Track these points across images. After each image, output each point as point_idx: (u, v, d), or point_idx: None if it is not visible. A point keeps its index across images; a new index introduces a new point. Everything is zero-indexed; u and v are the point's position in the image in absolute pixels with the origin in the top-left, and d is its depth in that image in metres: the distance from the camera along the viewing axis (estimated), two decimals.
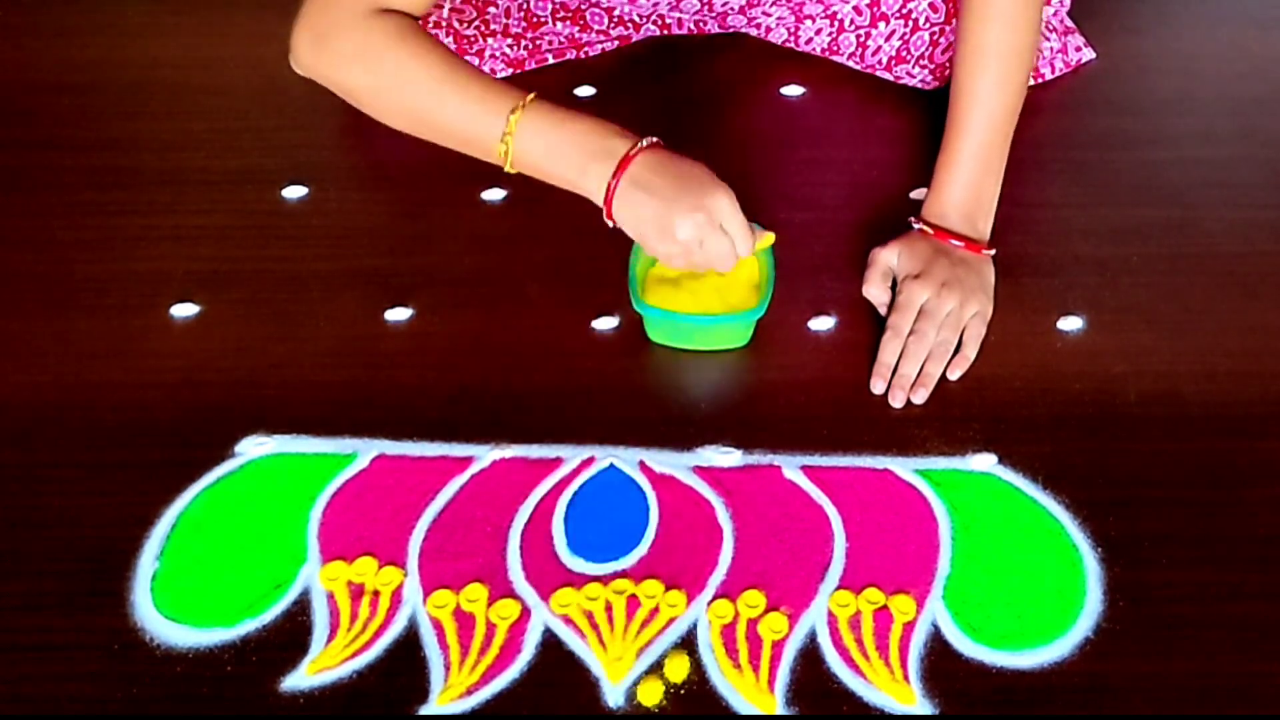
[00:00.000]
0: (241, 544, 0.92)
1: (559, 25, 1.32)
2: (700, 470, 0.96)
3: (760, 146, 1.26)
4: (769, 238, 1.01)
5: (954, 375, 1.03)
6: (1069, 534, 0.92)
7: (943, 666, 0.85)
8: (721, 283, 1.06)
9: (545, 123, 0.98)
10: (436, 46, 1.02)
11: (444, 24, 1.28)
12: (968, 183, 1.09)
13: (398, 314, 1.08)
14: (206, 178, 1.22)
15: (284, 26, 1.38)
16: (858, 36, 1.30)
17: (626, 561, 0.91)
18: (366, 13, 1.01)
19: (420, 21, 1.04)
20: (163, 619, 0.87)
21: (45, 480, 0.96)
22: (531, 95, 0.98)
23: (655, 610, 0.88)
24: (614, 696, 0.83)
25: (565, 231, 1.15)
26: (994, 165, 1.10)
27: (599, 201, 0.98)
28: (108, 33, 1.42)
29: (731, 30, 1.36)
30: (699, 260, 0.98)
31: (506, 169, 1.00)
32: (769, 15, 1.31)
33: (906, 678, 0.84)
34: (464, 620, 0.87)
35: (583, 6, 1.31)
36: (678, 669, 0.85)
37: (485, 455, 0.97)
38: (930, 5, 1.26)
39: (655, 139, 0.99)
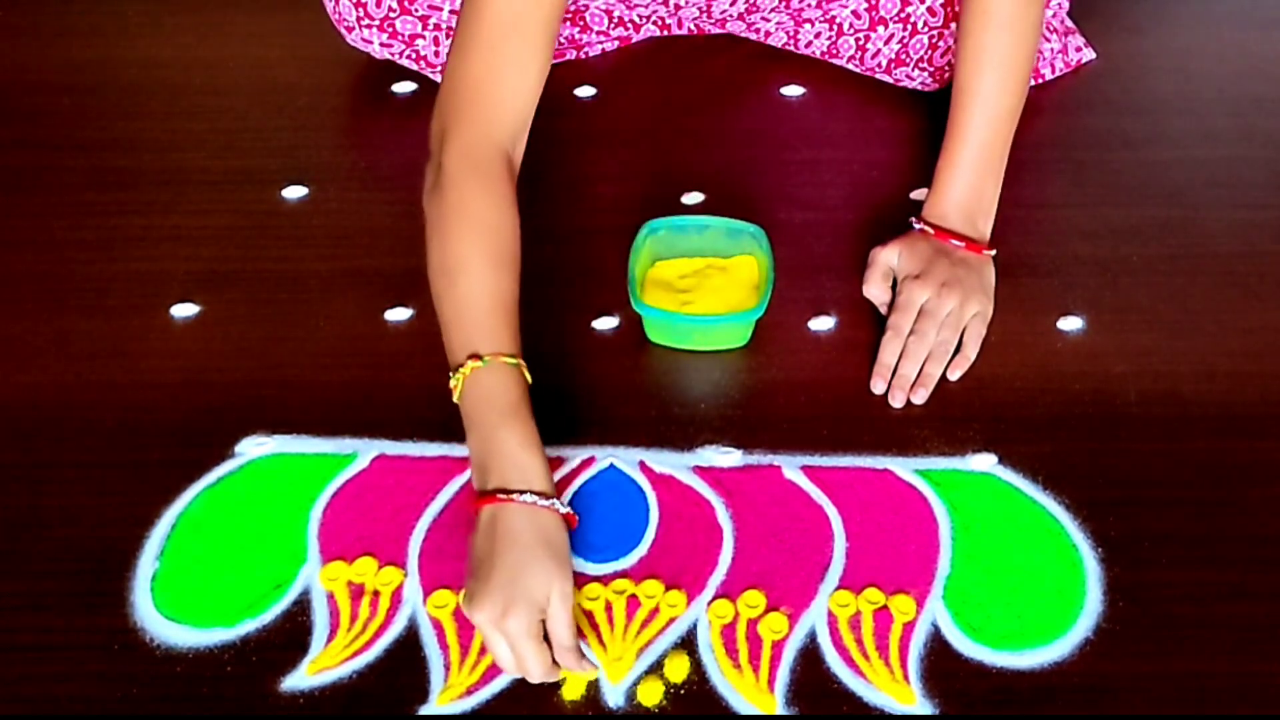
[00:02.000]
0: (241, 544, 0.92)
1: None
2: (700, 470, 0.96)
3: (760, 146, 1.26)
4: (591, 672, 0.84)
5: (954, 375, 1.03)
6: (1069, 534, 0.92)
7: (943, 666, 0.85)
8: (721, 283, 1.06)
9: (484, 398, 0.89)
10: (495, 254, 0.94)
11: (443, 26, 1.28)
12: (969, 183, 1.09)
13: (398, 314, 1.08)
14: (206, 178, 1.22)
15: (284, 26, 1.39)
16: (857, 40, 1.30)
17: (626, 561, 0.91)
18: (471, 167, 0.96)
19: (512, 172, 0.98)
20: (163, 619, 0.87)
21: (45, 480, 0.96)
22: (491, 359, 0.89)
23: (655, 610, 0.88)
24: (614, 696, 0.83)
25: (565, 231, 1.15)
26: (995, 166, 1.10)
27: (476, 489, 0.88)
28: (108, 33, 1.42)
29: (730, 35, 1.36)
30: (495, 648, 0.82)
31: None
32: (768, 20, 1.31)
33: (906, 678, 0.84)
34: (464, 620, 0.87)
35: (583, 8, 1.31)
36: (678, 669, 0.85)
37: None
38: (929, 9, 1.26)
39: (564, 510, 0.86)
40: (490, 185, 0.96)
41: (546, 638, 0.82)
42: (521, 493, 0.85)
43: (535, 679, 0.82)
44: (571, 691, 0.83)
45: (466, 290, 0.92)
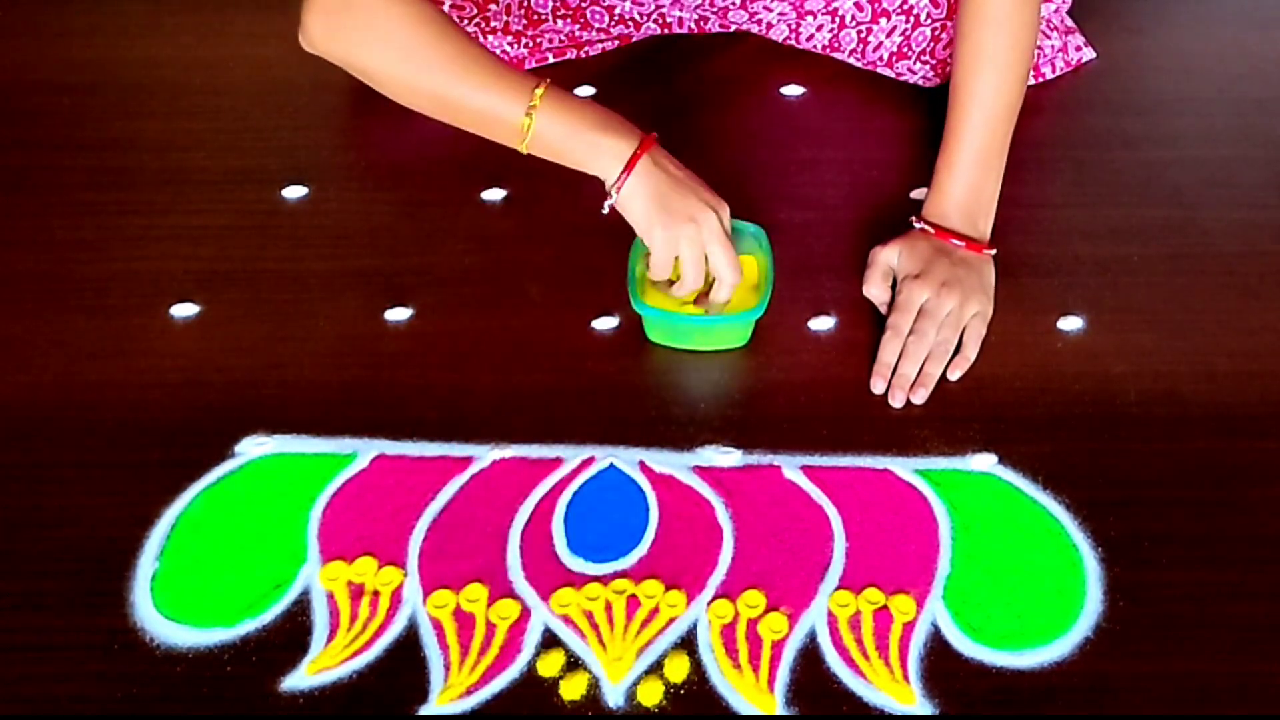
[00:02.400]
0: (241, 544, 0.92)
1: (559, 23, 1.32)
2: (700, 470, 0.96)
3: (760, 146, 1.26)
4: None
5: (954, 375, 1.03)
6: (1069, 534, 0.92)
7: (943, 666, 0.85)
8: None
9: (565, 102, 1.01)
10: (453, 27, 1.03)
11: None
12: (968, 183, 1.09)
13: (398, 314, 1.08)
14: (206, 178, 1.22)
15: (284, 26, 1.38)
16: (859, 32, 1.30)
17: (626, 561, 0.91)
18: None
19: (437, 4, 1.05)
20: (163, 619, 0.87)
21: (45, 480, 0.96)
22: (548, 79, 1.01)
23: (655, 610, 0.88)
24: (614, 696, 0.83)
25: (565, 231, 1.15)
26: (994, 165, 1.10)
27: (613, 176, 0.99)
28: (108, 33, 1.42)
29: (733, 26, 1.36)
30: (689, 255, 0.99)
31: (522, 148, 1.01)
32: (770, 10, 1.31)
33: (906, 678, 0.84)
34: (464, 620, 0.87)
35: (583, 4, 1.31)
36: (678, 669, 0.85)
37: (485, 455, 0.97)
38: (931, 1, 1.26)
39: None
40: None
41: None
42: (654, 138, 0.98)
43: (730, 280, 0.99)
44: (571, 691, 0.83)
45: (470, 60, 1.00)
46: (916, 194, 1.18)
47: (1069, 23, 1.36)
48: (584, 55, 1.36)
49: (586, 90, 1.32)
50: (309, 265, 1.13)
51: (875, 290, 1.08)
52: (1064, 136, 1.27)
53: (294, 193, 1.21)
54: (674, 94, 1.32)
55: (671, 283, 1.04)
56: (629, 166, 0.99)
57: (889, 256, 1.08)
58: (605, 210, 1.00)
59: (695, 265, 1.00)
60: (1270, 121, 1.29)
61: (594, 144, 1.00)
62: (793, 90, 1.33)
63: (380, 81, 1.05)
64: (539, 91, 1.00)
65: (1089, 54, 1.36)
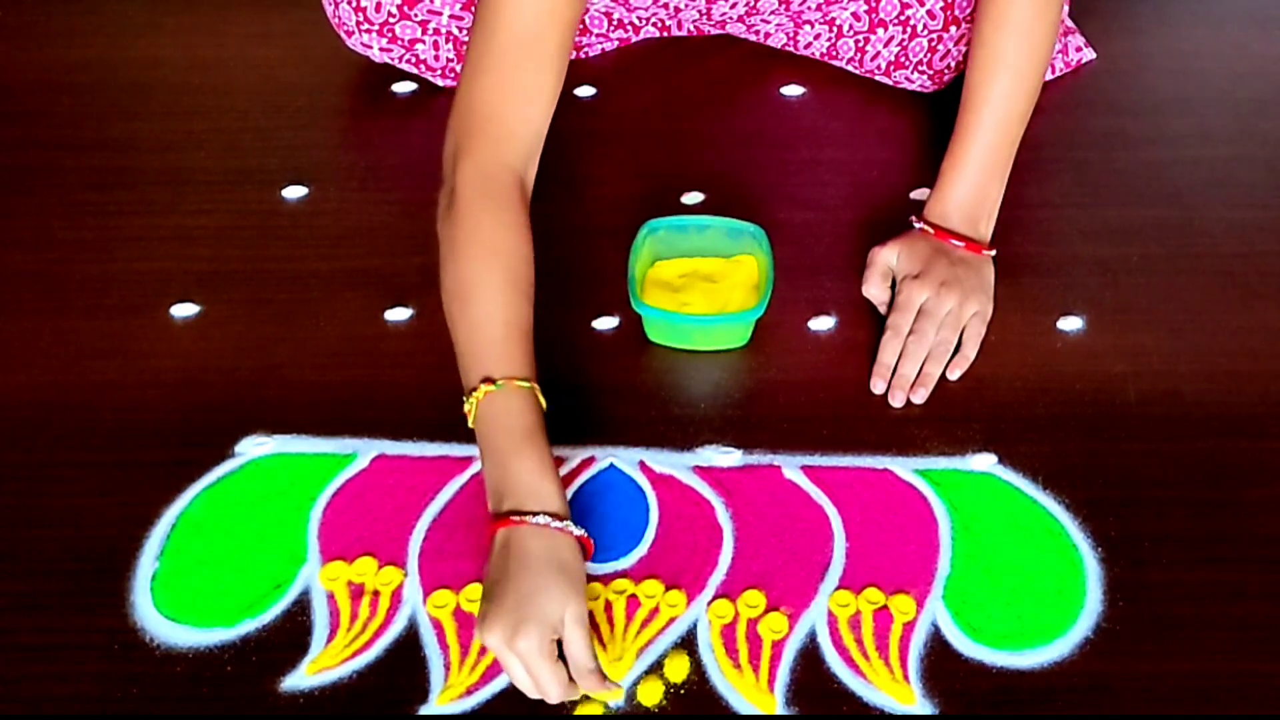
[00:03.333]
0: (241, 544, 0.92)
1: None
2: (700, 470, 0.96)
3: (760, 146, 1.26)
4: (615, 693, 0.84)
5: (954, 375, 1.03)
6: (1069, 534, 0.92)
7: (943, 666, 0.85)
8: (721, 283, 1.06)
9: (492, 424, 0.88)
10: (508, 284, 0.93)
11: (443, 31, 1.28)
12: (973, 185, 1.09)
13: (398, 314, 1.08)
14: (206, 178, 1.22)
15: (284, 26, 1.38)
16: (856, 42, 1.30)
17: (626, 561, 0.91)
18: (485, 189, 0.95)
19: (523, 200, 0.98)
20: (163, 619, 0.87)
21: (45, 480, 0.96)
22: (505, 383, 0.89)
23: (655, 610, 0.88)
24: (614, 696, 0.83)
25: (565, 231, 1.15)
26: (1000, 170, 1.10)
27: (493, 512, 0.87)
28: (108, 33, 1.42)
29: (730, 35, 1.36)
30: (511, 671, 0.81)
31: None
32: (767, 22, 1.31)
33: (906, 678, 0.84)
34: (464, 620, 0.87)
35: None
36: (678, 669, 0.85)
37: None
38: (928, 12, 1.26)
39: (578, 533, 0.85)
40: (503, 209, 0.95)
41: (563, 658, 0.81)
42: (535, 514, 0.84)
43: (554, 699, 0.81)
44: (583, 706, 0.83)
45: (480, 314, 0.92)
46: (916, 194, 1.18)
47: (1069, 23, 1.36)
48: (584, 56, 1.36)
49: (587, 90, 1.32)
50: (309, 265, 1.13)
51: (874, 290, 1.08)
52: (1064, 136, 1.27)
53: (294, 193, 1.20)
54: (674, 94, 1.32)
55: (676, 282, 1.04)
56: (489, 530, 0.85)
57: (888, 256, 1.08)
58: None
59: (522, 681, 0.81)
60: (1270, 121, 1.29)
61: (489, 478, 0.87)
62: (793, 90, 1.33)
63: (441, 266, 0.96)
64: (475, 394, 0.88)
65: (1089, 54, 1.36)
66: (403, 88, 1.32)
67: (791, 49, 1.34)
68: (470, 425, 0.89)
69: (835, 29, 1.30)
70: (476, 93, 0.98)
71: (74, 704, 0.83)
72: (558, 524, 0.84)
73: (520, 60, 0.98)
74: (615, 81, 1.33)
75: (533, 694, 0.81)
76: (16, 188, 1.22)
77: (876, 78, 1.32)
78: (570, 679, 0.81)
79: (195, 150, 1.26)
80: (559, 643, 0.81)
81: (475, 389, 0.89)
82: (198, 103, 1.32)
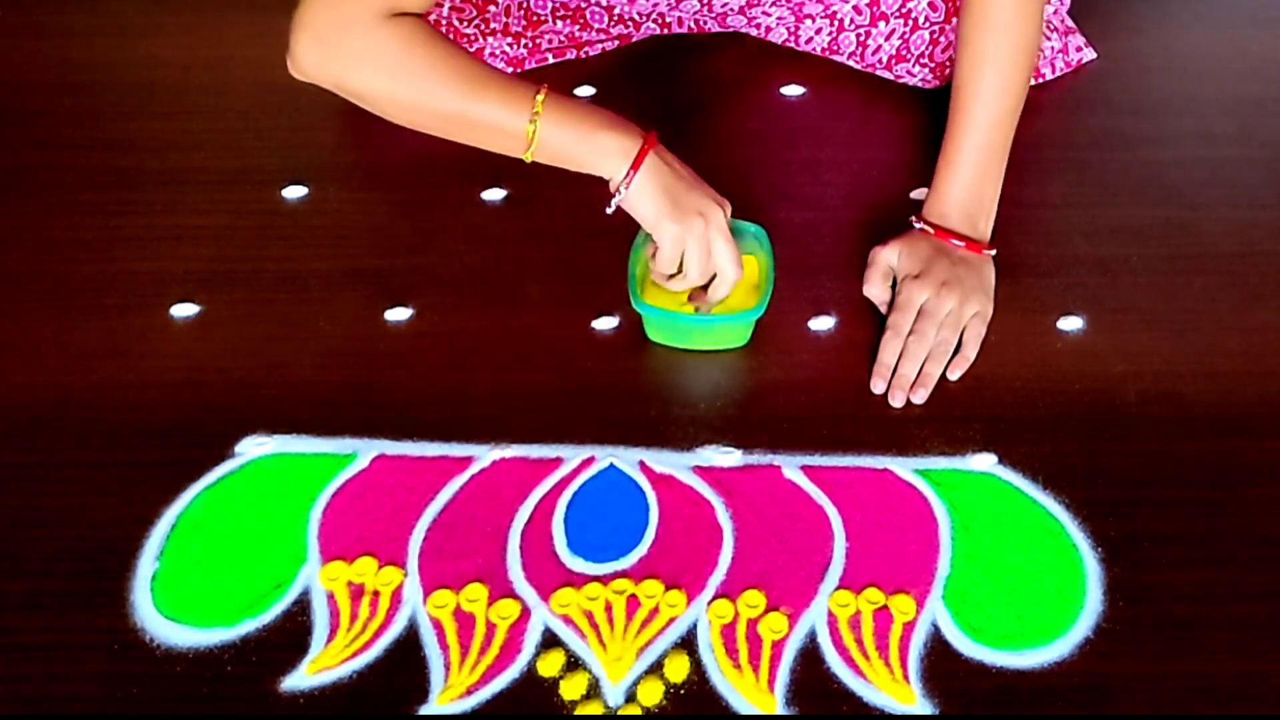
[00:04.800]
0: (241, 544, 0.92)
1: (559, 24, 1.32)
2: (700, 470, 0.96)
3: (760, 146, 1.26)
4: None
5: (954, 375, 1.03)
6: (1069, 534, 0.92)
7: (943, 666, 0.85)
8: None
9: (566, 106, 1.00)
10: (447, 43, 1.01)
11: (444, 22, 1.28)
12: (969, 184, 1.09)
13: (398, 314, 1.08)
14: (206, 178, 1.22)
15: (284, 26, 1.38)
16: (858, 36, 1.30)
17: (626, 561, 0.91)
18: (374, 15, 1.00)
19: (425, 19, 1.04)
20: (163, 619, 0.87)
21: (45, 480, 0.96)
22: (544, 85, 1.00)
23: (655, 610, 0.88)
24: (614, 696, 0.83)
25: (565, 231, 1.15)
26: (995, 167, 1.10)
27: (619, 175, 0.99)
28: (108, 33, 1.42)
29: (731, 30, 1.36)
30: (695, 250, 1.00)
31: (527, 157, 1.01)
32: (769, 15, 1.31)
33: (906, 678, 0.84)
34: (464, 620, 0.87)
35: (583, 5, 1.31)
36: (678, 669, 0.85)
37: (485, 455, 0.97)
38: (930, 4, 1.26)
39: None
40: (381, 17, 0.99)
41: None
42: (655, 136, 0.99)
43: (732, 276, 1.00)
44: (571, 691, 0.83)
45: (469, 75, 0.99)
46: (916, 194, 1.18)
47: (1069, 23, 1.36)
48: (584, 55, 1.36)
49: (586, 90, 1.32)
50: (309, 265, 1.13)
51: (875, 290, 1.08)
52: (1064, 136, 1.27)
53: (294, 193, 1.21)
54: (674, 94, 1.32)
55: (671, 277, 1.04)
56: (635, 164, 0.98)
57: (889, 256, 1.08)
58: (611, 210, 1.00)
59: (700, 261, 1.00)
60: (1270, 121, 1.29)
61: (600, 145, 0.99)
62: (793, 90, 1.33)
63: (378, 104, 1.03)
64: (540, 98, 0.99)
65: (1089, 54, 1.36)
66: None
67: (793, 44, 1.34)
68: (529, 144, 0.99)
69: (836, 23, 1.30)
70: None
71: (74, 704, 0.83)
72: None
73: None
74: (615, 81, 1.33)
75: (702, 278, 1.01)
76: (16, 188, 1.22)
77: (878, 72, 1.32)
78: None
79: (195, 150, 1.26)
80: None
81: (533, 107, 0.98)
82: (198, 103, 1.32)
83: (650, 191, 0.99)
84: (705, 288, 1.03)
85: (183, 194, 1.21)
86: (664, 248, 1.00)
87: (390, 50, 0.99)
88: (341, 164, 1.25)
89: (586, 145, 0.99)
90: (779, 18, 1.32)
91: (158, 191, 1.21)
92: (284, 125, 1.29)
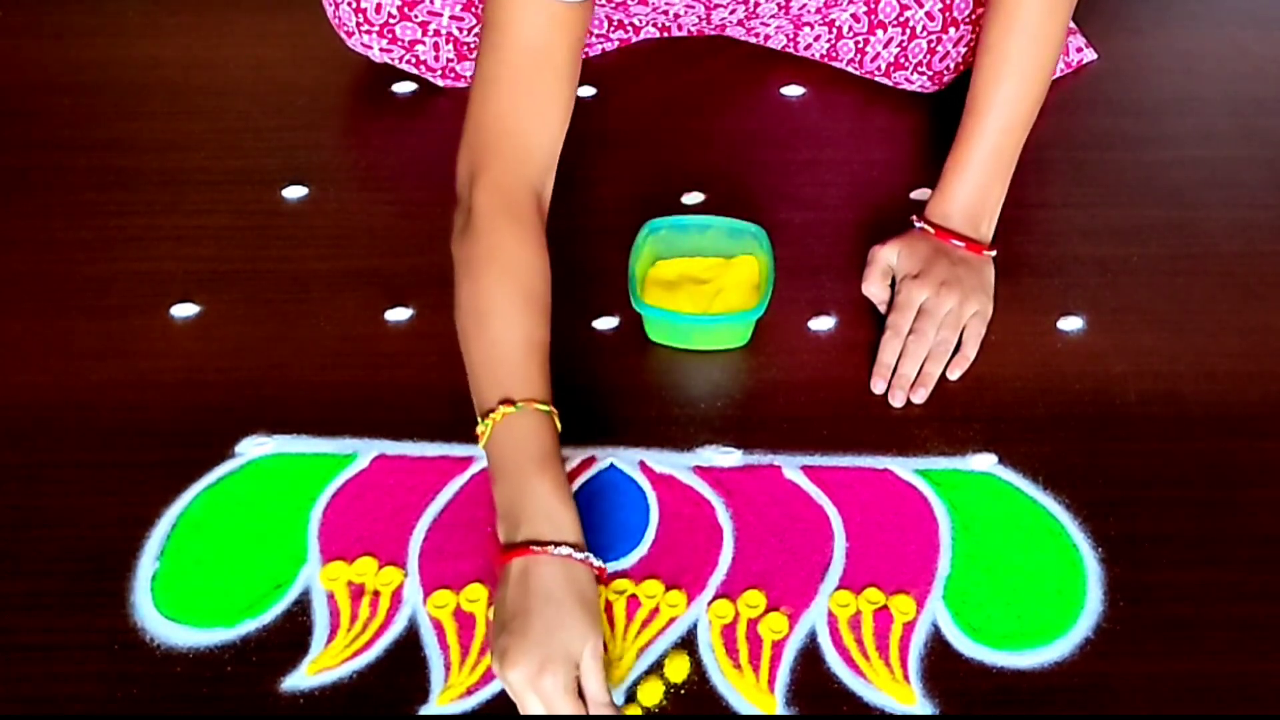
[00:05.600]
0: (241, 544, 0.92)
1: None
2: (700, 470, 0.96)
3: (760, 146, 1.26)
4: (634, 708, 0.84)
5: (954, 375, 1.03)
6: (1069, 534, 0.92)
7: (943, 666, 0.85)
8: (721, 283, 1.06)
9: (516, 445, 0.87)
10: (520, 302, 0.92)
11: (443, 32, 1.28)
12: (976, 187, 1.09)
13: (398, 314, 1.08)
14: (206, 178, 1.22)
15: (284, 26, 1.38)
16: (856, 43, 1.30)
17: (626, 561, 0.91)
18: (502, 207, 0.94)
19: (538, 219, 0.96)
20: (163, 619, 0.87)
21: (45, 480, 0.96)
22: (525, 405, 0.87)
23: (655, 610, 0.88)
24: (614, 697, 0.83)
25: (565, 231, 1.15)
26: (1003, 172, 1.09)
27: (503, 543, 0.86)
28: (108, 33, 1.42)
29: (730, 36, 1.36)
30: (529, 707, 0.79)
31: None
32: (767, 25, 1.32)
33: (906, 678, 0.84)
34: (464, 620, 0.87)
35: None
36: (678, 669, 0.85)
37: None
38: (927, 14, 1.26)
39: (597, 564, 0.84)
40: (522, 227, 0.94)
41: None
42: (556, 545, 0.82)
43: None
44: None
45: (497, 334, 0.90)
46: (917, 194, 1.18)
47: (1070, 23, 1.36)
48: (584, 56, 1.35)
49: (586, 90, 1.32)
50: (309, 265, 1.13)
51: (874, 289, 1.08)
52: (1064, 136, 1.27)
53: (294, 193, 1.21)
54: (674, 94, 1.32)
55: (676, 282, 1.04)
56: (501, 560, 0.84)
57: (888, 255, 1.08)
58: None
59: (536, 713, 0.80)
60: (1270, 121, 1.29)
61: (497, 506, 0.86)
62: (793, 90, 1.33)
63: (457, 284, 0.95)
64: (495, 416, 0.87)
65: (1089, 54, 1.36)
66: (403, 88, 1.32)
67: (791, 50, 1.34)
68: (482, 446, 0.88)
69: (835, 30, 1.30)
70: (490, 109, 0.96)
71: (74, 704, 0.83)
72: (579, 555, 0.82)
73: (531, 75, 0.96)
74: (615, 81, 1.33)
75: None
76: (17, 188, 1.22)
77: (876, 78, 1.32)
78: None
79: (195, 150, 1.26)
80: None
81: (493, 410, 0.87)
82: (198, 103, 1.32)
83: (500, 600, 0.82)
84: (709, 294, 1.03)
85: (183, 194, 1.21)
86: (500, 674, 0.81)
87: (469, 264, 0.93)
88: (341, 164, 1.25)
89: (497, 494, 0.86)
90: (777, 27, 1.32)
91: (158, 191, 1.21)
92: (284, 125, 1.29)
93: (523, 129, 0.96)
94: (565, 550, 0.82)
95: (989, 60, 1.09)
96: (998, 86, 1.08)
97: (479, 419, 0.88)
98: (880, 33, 1.28)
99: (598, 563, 0.84)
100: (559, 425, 0.88)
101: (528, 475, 0.85)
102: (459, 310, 0.92)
